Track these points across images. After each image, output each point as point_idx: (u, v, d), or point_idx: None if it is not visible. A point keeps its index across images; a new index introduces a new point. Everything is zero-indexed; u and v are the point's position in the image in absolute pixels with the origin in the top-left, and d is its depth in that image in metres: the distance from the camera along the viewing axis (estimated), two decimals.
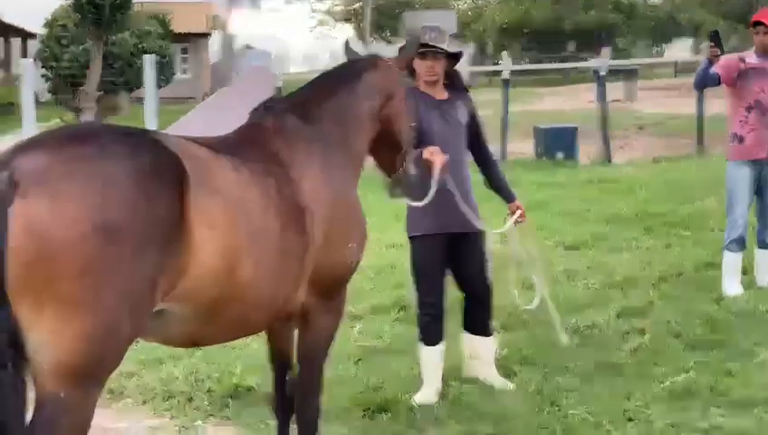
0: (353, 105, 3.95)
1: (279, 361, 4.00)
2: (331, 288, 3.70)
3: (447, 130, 5.04)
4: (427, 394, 5.06)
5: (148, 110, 17.84)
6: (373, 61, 4.20)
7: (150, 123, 17.00)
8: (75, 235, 2.62)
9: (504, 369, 5.40)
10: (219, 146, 3.35)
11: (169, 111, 27.05)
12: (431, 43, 4.94)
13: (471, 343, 5.30)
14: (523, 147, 19.12)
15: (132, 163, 2.81)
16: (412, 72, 4.94)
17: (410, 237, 5.13)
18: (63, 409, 2.70)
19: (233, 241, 3.10)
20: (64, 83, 32.30)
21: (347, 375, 5.43)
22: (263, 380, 5.33)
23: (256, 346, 6.00)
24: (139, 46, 31.97)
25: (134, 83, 31.93)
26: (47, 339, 2.66)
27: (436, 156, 4.72)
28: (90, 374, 2.75)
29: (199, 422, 4.99)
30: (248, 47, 48.90)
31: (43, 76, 32.53)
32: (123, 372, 5.68)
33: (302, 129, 3.70)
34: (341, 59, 4.37)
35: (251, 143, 3.53)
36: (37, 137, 2.92)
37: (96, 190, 2.69)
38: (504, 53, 22.34)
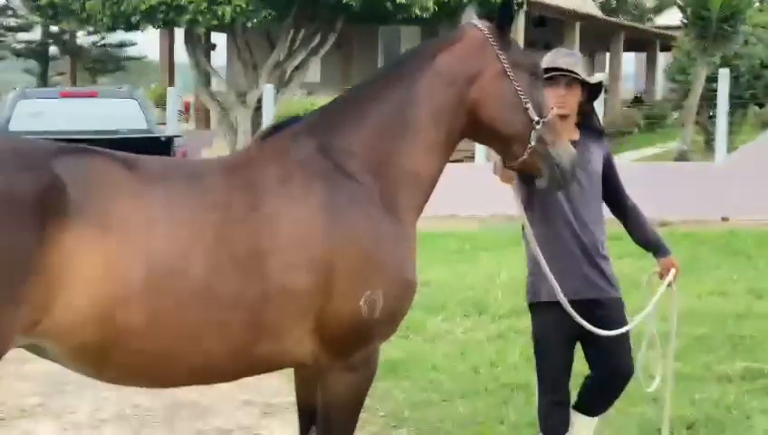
0: (404, 113, 3.13)
1: (301, 410, 3.46)
2: (344, 342, 3.08)
3: (584, 180, 3.97)
4: None
5: (719, 129, 16.40)
6: (453, 37, 3.26)
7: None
8: None
9: None
10: (169, 171, 2.95)
11: None
12: (565, 67, 3.86)
13: (575, 421, 4.17)
14: None
15: None
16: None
17: (530, 304, 4.10)
18: None
19: (117, 286, 2.71)
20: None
21: None
22: None
23: None
24: None
25: (763, 97, 29.79)
26: None
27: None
28: None
29: None
30: None
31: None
32: None
33: (310, 157, 3.07)
34: None
35: (230, 169, 3.05)
36: None
37: None
38: None
